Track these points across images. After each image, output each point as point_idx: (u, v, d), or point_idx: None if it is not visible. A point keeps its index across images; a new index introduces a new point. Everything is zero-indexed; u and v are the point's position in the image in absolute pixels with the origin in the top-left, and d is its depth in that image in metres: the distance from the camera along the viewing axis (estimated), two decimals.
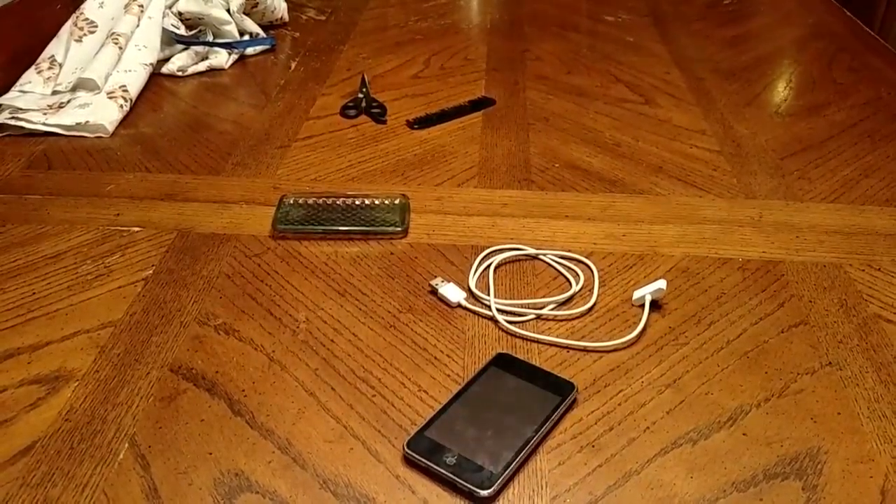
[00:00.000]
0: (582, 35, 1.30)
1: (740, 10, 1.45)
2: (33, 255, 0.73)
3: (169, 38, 1.11)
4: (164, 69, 1.10)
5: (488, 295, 0.67)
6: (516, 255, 0.73)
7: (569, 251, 0.73)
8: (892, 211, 0.81)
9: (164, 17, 1.10)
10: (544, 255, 0.73)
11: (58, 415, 0.56)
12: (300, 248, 0.74)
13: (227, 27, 1.16)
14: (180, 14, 1.13)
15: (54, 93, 1.01)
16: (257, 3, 1.23)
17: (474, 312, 0.66)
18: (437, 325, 0.65)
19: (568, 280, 0.70)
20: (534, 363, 0.61)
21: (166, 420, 0.56)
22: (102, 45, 1.04)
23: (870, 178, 0.88)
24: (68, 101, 0.99)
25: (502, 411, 0.56)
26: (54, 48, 1.05)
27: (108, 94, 0.99)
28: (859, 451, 0.54)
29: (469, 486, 0.50)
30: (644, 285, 0.67)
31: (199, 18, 1.14)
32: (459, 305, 0.67)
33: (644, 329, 0.64)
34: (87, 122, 0.95)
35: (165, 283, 0.69)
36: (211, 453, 0.53)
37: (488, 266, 0.71)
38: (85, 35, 1.05)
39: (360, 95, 1.03)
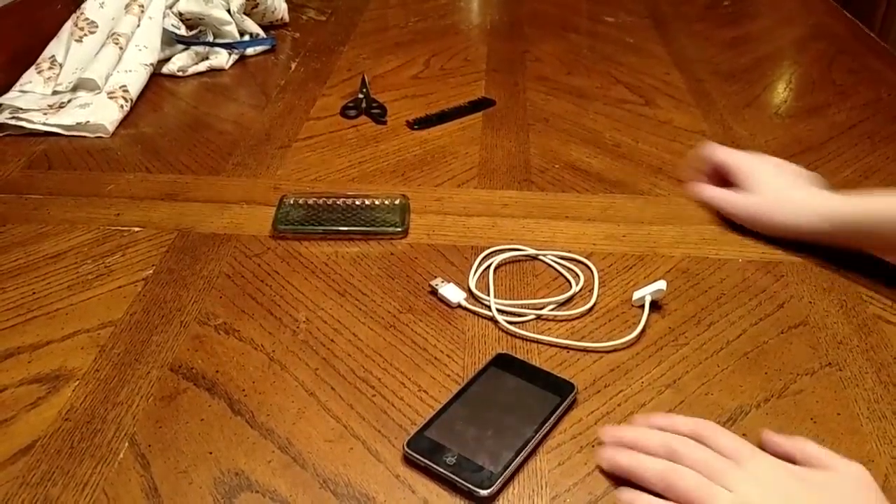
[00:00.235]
0: (582, 36, 1.30)
1: (740, 11, 1.45)
2: (34, 254, 0.73)
3: (169, 39, 1.11)
4: (165, 69, 1.10)
5: (488, 295, 0.67)
6: (516, 256, 0.73)
7: (569, 252, 0.73)
8: None
9: (164, 17, 1.10)
10: (544, 255, 0.73)
11: (58, 414, 0.56)
12: (300, 248, 0.74)
13: (228, 27, 1.16)
14: (181, 14, 1.14)
15: (55, 93, 1.01)
16: (258, 3, 1.23)
17: (474, 313, 0.66)
18: (437, 326, 0.65)
19: (568, 280, 0.70)
20: (534, 363, 0.61)
21: (166, 419, 0.56)
22: (103, 46, 1.04)
23: (870, 179, 0.88)
24: (69, 101, 0.99)
25: (502, 411, 0.56)
26: (55, 48, 1.05)
27: (108, 94, 0.99)
28: (859, 451, 0.54)
29: (469, 485, 0.50)
30: (644, 286, 0.67)
31: (200, 19, 1.14)
32: (459, 306, 0.67)
33: (644, 329, 0.64)
34: (88, 121, 0.95)
35: (166, 282, 0.69)
36: (211, 453, 0.53)
37: (488, 266, 0.71)
38: (85, 35, 1.05)
39: (361, 96, 1.04)
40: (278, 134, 0.96)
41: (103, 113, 0.96)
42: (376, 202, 0.79)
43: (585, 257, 0.73)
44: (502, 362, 0.60)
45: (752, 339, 0.64)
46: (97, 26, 1.06)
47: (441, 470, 0.51)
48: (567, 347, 0.63)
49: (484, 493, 0.50)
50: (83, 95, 1.00)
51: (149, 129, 0.97)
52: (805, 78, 1.18)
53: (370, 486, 0.51)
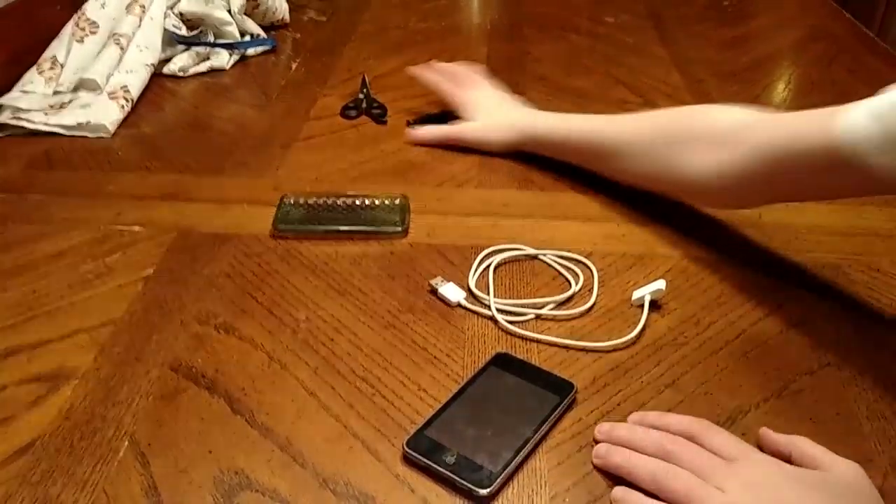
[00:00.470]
0: (582, 37, 1.31)
1: (740, 11, 1.45)
2: (34, 253, 0.73)
3: (170, 39, 1.11)
4: (166, 69, 1.10)
5: (488, 295, 0.68)
6: (516, 255, 0.73)
7: (568, 251, 0.73)
8: (891, 212, 0.81)
9: (165, 17, 1.10)
10: (544, 255, 0.73)
11: (58, 413, 0.56)
12: (300, 247, 0.74)
13: (229, 28, 1.16)
14: (181, 15, 1.14)
15: (56, 93, 1.01)
16: (258, 3, 1.23)
17: (474, 312, 0.66)
18: (437, 325, 0.65)
19: (567, 280, 0.70)
20: (533, 363, 0.61)
21: (166, 418, 0.56)
22: (104, 46, 1.04)
23: None
24: (69, 102, 0.99)
25: (502, 411, 0.56)
26: (55, 48, 1.05)
27: (109, 94, 1.00)
28: (858, 451, 0.54)
29: (468, 485, 0.50)
30: (643, 285, 0.67)
31: (201, 19, 1.15)
32: (459, 305, 0.67)
33: (643, 329, 0.64)
34: (89, 122, 0.95)
35: (166, 282, 0.69)
36: (211, 452, 0.53)
37: (488, 266, 0.71)
38: (86, 35, 1.05)
39: (361, 96, 1.04)
40: (279, 134, 0.96)
41: (104, 113, 0.96)
42: (376, 202, 0.80)
43: (585, 257, 0.73)
44: (502, 362, 0.60)
45: (752, 339, 0.64)
46: (98, 26, 1.06)
47: (441, 469, 0.51)
48: (567, 347, 0.63)
49: (483, 492, 0.50)
50: (84, 95, 1.00)
51: (150, 129, 0.97)
52: (804, 78, 1.18)
53: (370, 486, 0.51)
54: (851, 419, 0.57)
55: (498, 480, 0.50)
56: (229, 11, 1.16)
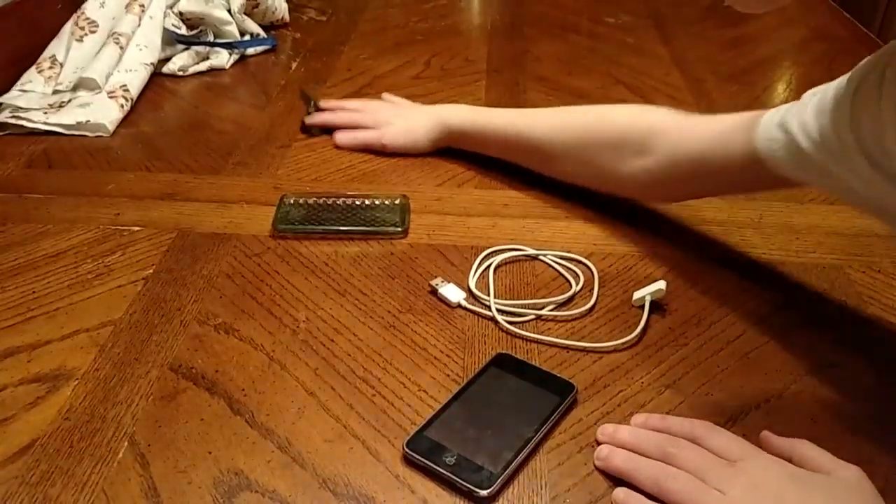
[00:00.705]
0: (582, 37, 1.30)
1: (740, 12, 1.45)
2: (34, 253, 0.73)
3: (170, 38, 1.11)
4: (165, 69, 1.10)
5: (488, 295, 0.67)
6: (516, 256, 0.73)
7: (569, 252, 0.73)
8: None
9: (165, 16, 1.10)
10: (544, 255, 0.73)
11: (57, 413, 0.56)
12: (300, 247, 0.74)
13: (228, 27, 1.16)
14: (181, 14, 1.14)
15: (55, 92, 1.01)
16: (258, 3, 1.23)
17: (474, 313, 0.66)
18: (437, 325, 0.65)
19: (568, 281, 0.70)
20: (534, 363, 0.61)
21: (166, 419, 0.56)
22: (103, 45, 1.04)
23: None
24: (69, 101, 0.99)
25: (502, 411, 0.56)
26: (55, 48, 1.05)
27: (108, 93, 0.99)
28: (859, 452, 0.54)
29: (468, 485, 0.50)
30: (644, 286, 0.67)
31: (200, 18, 1.14)
32: (459, 306, 0.67)
33: (644, 330, 0.64)
34: (88, 121, 0.95)
35: (165, 282, 0.69)
36: (210, 452, 0.53)
37: (488, 266, 0.71)
38: (86, 34, 1.05)
39: (310, 111, 0.99)
40: (278, 133, 0.96)
41: (103, 112, 0.96)
42: (376, 202, 0.79)
43: (585, 257, 0.73)
44: (502, 362, 0.60)
45: (753, 340, 0.64)
46: (98, 26, 1.06)
47: (441, 470, 0.51)
48: (567, 347, 0.63)
49: (483, 493, 0.50)
50: (83, 95, 1.00)
51: (149, 128, 0.97)
52: (805, 79, 1.18)
53: (370, 486, 0.51)
54: (852, 420, 0.57)
55: (498, 481, 0.50)
56: (229, 11, 1.16)
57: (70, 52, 1.04)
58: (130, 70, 1.03)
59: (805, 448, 0.51)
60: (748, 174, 0.63)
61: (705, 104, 1.06)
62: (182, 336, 0.63)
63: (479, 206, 0.81)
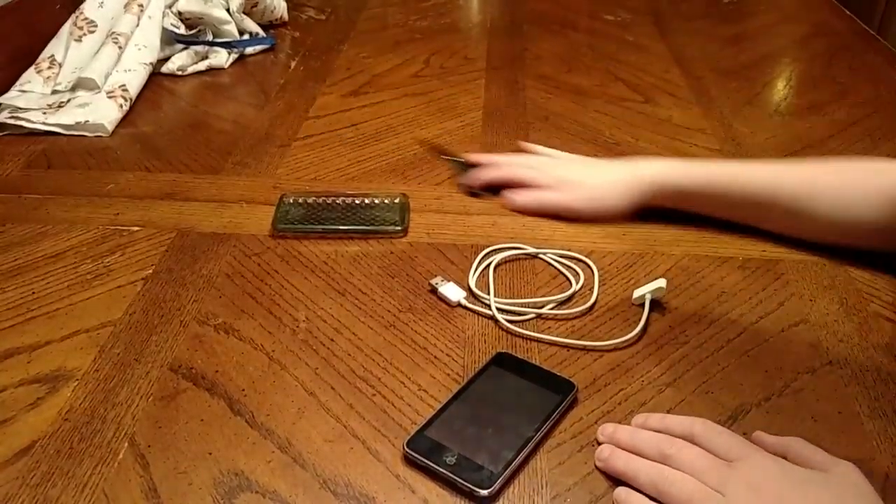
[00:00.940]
0: (582, 34, 1.30)
1: (740, 8, 1.45)
2: (33, 254, 0.73)
3: (169, 38, 1.11)
4: (164, 68, 1.10)
5: (488, 294, 0.67)
6: (516, 254, 0.73)
7: (569, 250, 0.73)
8: None
9: (163, 16, 1.10)
10: (544, 253, 0.73)
11: (57, 414, 0.56)
12: (300, 247, 0.74)
13: (227, 27, 1.16)
14: (180, 13, 1.13)
15: (54, 92, 1.01)
16: (257, 2, 1.23)
17: (474, 311, 0.66)
18: (437, 325, 0.65)
19: (568, 279, 0.70)
20: (534, 362, 0.61)
21: (166, 420, 0.56)
22: (102, 45, 1.04)
23: None
24: (68, 101, 0.99)
25: (502, 410, 0.56)
26: (54, 48, 1.05)
27: (107, 93, 0.99)
28: (859, 450, 0.54)
29: (469, 485, 0.50)
30: (644, 284, 0.67)
31: (199, 18, 1.14)
32: (459, 304, 0.67)
33: (644, 328, 0.64)
34: (87, 121, 0.94)
35: (165, 282, 0.69)
36: (211, 453, 0.53)
37: (488, 265, 0.71)
38: (85, 35, 1.05)
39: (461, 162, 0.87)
40: (278, 133, 0.96)
41: (102, 112, 0.96)
42: (376, 201, 0.79)
43: (585, 256, 0.73)
44: (502, 361, 0.60)
45: (753, 338, 0.64)
46: (96, 26, 1.06)
47: (441, 470, 0.51)
48: (567, 346, 0.63)
49: (484, 492, 0.50)
50: (82, 95, 1.00)
51: (148, 128, 0.97)
52: (805, 75, 1.18)
53: (370, 486, 0.51)
54: (853, 418, 0.56)
55: (499, 481, 0.50)
56: (228, 10, 1.16)
57: (69, 52, 1.03)
58: (129, 70, 1.03)
59: (799, 446, 0.51)
60: None
61: (705, 101, 1.05)
62: (182, 336, 0.63)
63: (478, 205, 0.81)
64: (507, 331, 0.64)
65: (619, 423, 0.55)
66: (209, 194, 0.83)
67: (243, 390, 0.58)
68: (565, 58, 1.19)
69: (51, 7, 1.13)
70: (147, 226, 0.77)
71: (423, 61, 1.18)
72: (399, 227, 0.76)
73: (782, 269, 0.72)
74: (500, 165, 0.83)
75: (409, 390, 0.58)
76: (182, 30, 1.13)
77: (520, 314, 0.66)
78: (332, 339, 0.63)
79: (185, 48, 1.13)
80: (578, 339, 0.63)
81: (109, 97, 0.99)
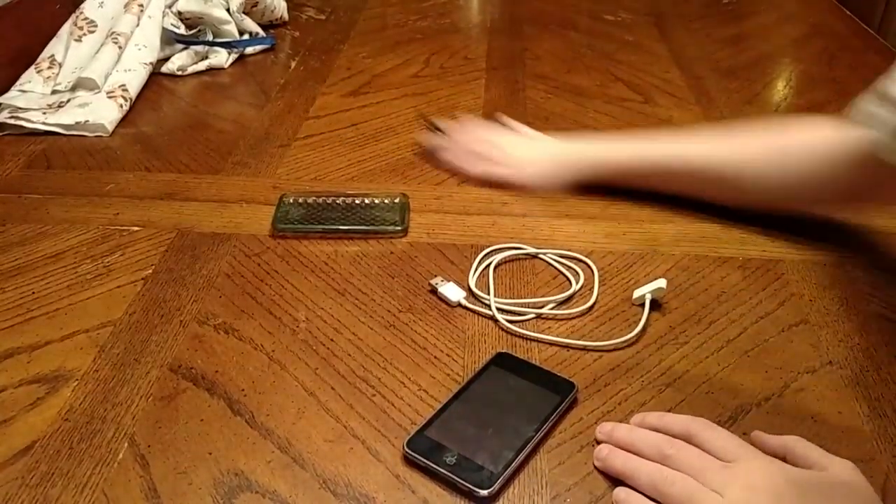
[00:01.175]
0: (581, 34, 1.30)
1: (740, 8, 1.45)
2: (33, 254, 0.73)
3: (169, 38, 1.11)
4: (164, 68, 1.10)
5: (488, 294, 0.67)
6: (516, 255, 0.73)
7: (569, 250, 0.73)
8: (892, 210, 0.81)
9: (163, 16, 1.10)
10: (544, 254, 0.73)
11: (57, 414, 0.56)
12: (300, 247, 0.74)
13: (227, 26, 1.16)
14: (180, 13, 1.13)
15: (54, 92, 1.01)
16: (257, 2, 1.23)
17: (474, 312, 0.66)
18: (437, 325, 0.65)
19: (568, 279, 0.70)
20: (534, 362, 0.61)
21: (166, 420, 0.56)
22: (102, 45, 1.04)
23: None
24: (68, 101, 0.99)
25: (502, 411, 0.56)
26: (54, 48, 1.05)
27: (107, 93, 0.99)
28: (860, 450, 0.54)
29: (469, 485, 0.50)
30: (644, 284, 0.67)
31: (199, 18, 1.14)
32: (459, 305, 0.67)
33: (644, 328, 0.64)
34: (87, 121, 0.94)
35: (165, 282, 0.69)
36: (210, 453, 0.53)
37: (488, 265, 0.71)
38: (85, 34, 1.05)
39: None
40: (278, 133, 0.96)
41: (102, 112, 0.96)
42: (376, 201, 0.79)
43: (585, 256, 0.73)
44: (502, 361, 0.60)
45: (753, 338, 0.64)
46: (96, 26, 1.06)
47: (441, 470, 0.51)
48: (567, 346, 0.63)
49: (484, 492, 0.50)
50: (82, 95, 1.00)
51: (148, 128, 0.97)
52: (805, 75, 1.18)
53: (370, 487, 0.51)
54: (853, 418, 0.56)
55: (499, 481, 0.50)
56: (228, 10, 1.16)
57: (69, 52, 1.03)
58: (129, 70, 1.03)
59: (798, 445, 0.51)
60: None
61: (705, 101, 1.05)
62: (182, 336, 0.63)
63: (478, 205, 0.81)
64: (507, 331, 0.64)
65: (619, 422, 0.55)
66: (209, 194, 0.83)
67: (243, 390, 0.58)
68: (565, 58, 1.19)
69: (51, 7, 1.13)
70: (147, 226, 0.77)
71: (423, 61, 1.18)
72: (399, 227, 0.76)
73: (782, 269, 0.72)
74: (465, 132, 0.90)
75: (409, 390, 0.58)
76: (182, 30, 1.13)
77: (520, 314, 0.66)
78: (331, 339, 0.63)
79: (185, 48, 1.13)
80: (578, 340, 0.63)
81: (109, 97, 0.99)
